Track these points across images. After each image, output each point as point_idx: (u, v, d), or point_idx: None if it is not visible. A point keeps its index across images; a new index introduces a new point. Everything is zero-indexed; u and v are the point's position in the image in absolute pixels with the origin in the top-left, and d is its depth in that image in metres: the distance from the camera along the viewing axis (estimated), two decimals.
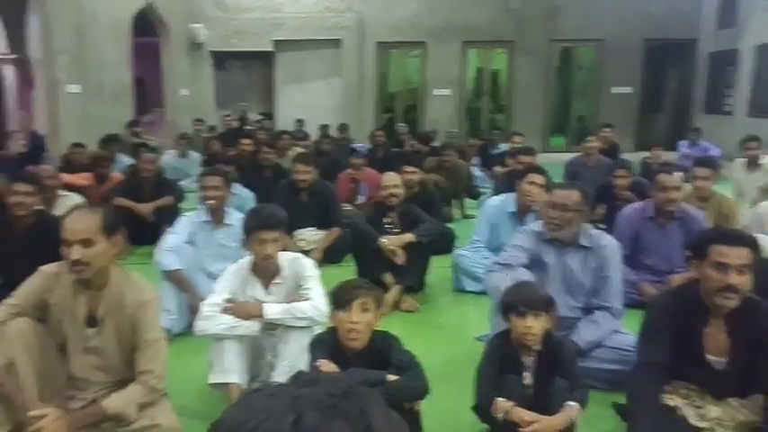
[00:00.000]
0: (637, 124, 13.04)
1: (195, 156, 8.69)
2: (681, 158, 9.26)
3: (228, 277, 2.85)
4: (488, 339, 2.51)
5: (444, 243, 5.17)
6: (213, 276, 3.34)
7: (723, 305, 2.21)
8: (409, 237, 4.09)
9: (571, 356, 2.36)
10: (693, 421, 2.24)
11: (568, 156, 7.30)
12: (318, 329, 2.72)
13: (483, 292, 4.19)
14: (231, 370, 2.68)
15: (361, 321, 2.25)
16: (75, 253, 2.14)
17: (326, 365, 2.22)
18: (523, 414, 2.20)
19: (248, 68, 13.86)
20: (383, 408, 0.72)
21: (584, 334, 2.90)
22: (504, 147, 9.07)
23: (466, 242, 4.71)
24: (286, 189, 5.30)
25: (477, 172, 8.76)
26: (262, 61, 13.36)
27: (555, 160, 8.69)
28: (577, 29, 12.59)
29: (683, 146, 9.76)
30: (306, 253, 4.06)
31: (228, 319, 2.69)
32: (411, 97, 13.92)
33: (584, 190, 3.04)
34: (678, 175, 4.08)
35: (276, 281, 2.86)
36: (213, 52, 12.95)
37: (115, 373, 2.35)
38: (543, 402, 2.30)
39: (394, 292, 4.05)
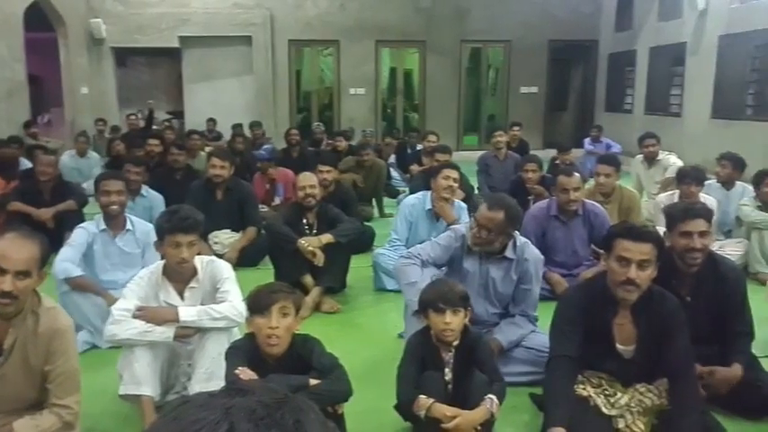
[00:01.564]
0: (544, 123, 13.58)
1: (95, 156, 8.26)
2: (585, 155, 9.73)
3: (139, 282, 2.70)
4: (407, 337, 2.51)
5: (363, 242, 5.17)
6: (119, 286, 3.15)
7: (624, 297, 2.30)
8: (328, 237, 4.05)
9: (489, 351, 2.42)
10: (605, 409, 2.33)
11: (479, 153, 7.49)
12: (237, 335, 2.63)
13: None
14: (143, 381, 2.54)
15: (280, 326, 2.18)
16: (8, 284, 1.95)
17: (245, 373, 2.14)
18: (444, 409, 2.22)
19: (153, 65, 13.29)
20: (319, 417, 0.69)
21: (507, 334, 2.97)
22: (419, 146, 9.19)
23: (385, 241, 4.71)
24: (199, 189, 5.11)
25: (393, 171, 8.84)
26: (168, 58, 12.86)
27: (468, 158, 8.88)
28: (485, 30, 12.95)
29: (587, 143, 10.25)
30: (221, 256, 3.93)
31: (140, 324, 2.55)
32: (326, 96, 13.84)
33: (510, 209, 2.96)
34: (577, 176, 4.26)
35: (191, 285, 2.74)
36: (115, 48, 12.31)
37: (20, 402, 2.17)
38: (463, 397, 2.33)
39: (314, 294, 3.99)
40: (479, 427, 2.26)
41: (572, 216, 4.28)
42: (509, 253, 3.04)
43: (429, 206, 4.41)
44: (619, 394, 2.36)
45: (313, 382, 2.16)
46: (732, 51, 8.98)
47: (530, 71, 13.23)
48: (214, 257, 2.95)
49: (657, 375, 2.39)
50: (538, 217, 4.35)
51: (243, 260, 4.77)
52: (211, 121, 11.45)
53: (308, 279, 4.06)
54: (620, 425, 2.28)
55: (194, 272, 2.74)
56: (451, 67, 13.08)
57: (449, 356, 2.37)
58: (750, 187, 5.09)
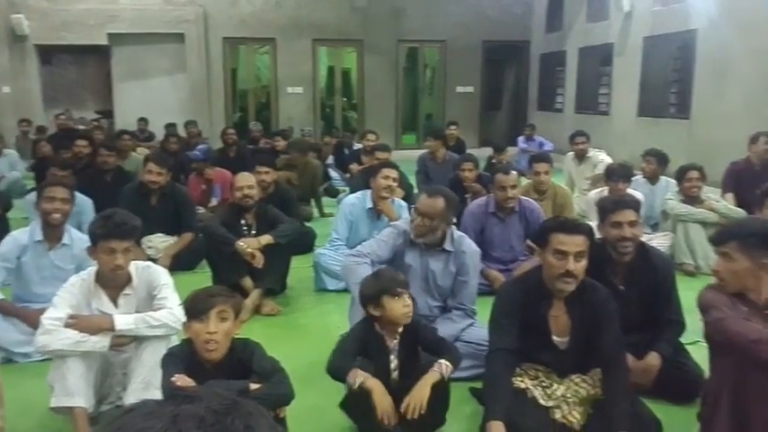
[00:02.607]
0: (479, 122, 13.83)
1: (13, 154, 7.87)
2: (519, 153, 9.99)
3: (70, 289, 2.59)
4: (352, 327, 2.51)
5: (304, 243, 5.12)
6: (47, 301, 2.99)
7: (562, 289, 2.38)
8: (267, 238, 3.99)
9: (430, 329, 2.48)
10: (542, 401, 2.39)
11: (420, 152, 7.55)
12: (175, 341, 2.55)
13: (345, 290, 4.21)
14: (76, 392, 2.43)
15: (219, 331, 2.13)
16: None
17: (182, 380, 2.09)
18: (380, 397, 2.25)
19: (81, 64, 12.75)
20: (269, 421, 0.68)
21: (442, 330, 2.98)
22: (358, 145, 9.19)
23: (326, 241, 4.69)
24: (132, 193, 4.92)
25: (332, 170, 8.81)
26: (96, 56, 12.36)
27: (407, 157, 8.95)
28: (421, 30, 13.07)
29: (521, 141, 10.53)
30: (155, 261, 3.81)
31: (73, 334, 2.44)
32: (263, 95, 13.65)
33: (448, 197, 3.11)
34: (514, 174, 4.37)
35: (125, 292, 2.65)
36: (39, 46, 11.74)
37: None
38: (411, 384, 2.35)
39: (254, 297, 3.93)
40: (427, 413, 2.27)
41: (509, 213, 4.39)
42: (447, 245, 3.12)
43: (369, 205, 4.42)
44: (555, 385, 2.42)
45: (254, 386, 2.12)
46: (655, 52, 9.41)
47: (465, 71, 13.44)
48: (150, 263, 2.85)
49: (591, 365, 2.47)
50: (476, 214, 4.44)
51: (179, 264, 4.64)
52: (143, 120, 11.10)
53: (248, 281, 3.99)
54: (557, 415, 2.34)
55: (129, 278, 2.65)
56: (389, 66, 13.14)
57: (394, 343, 2.40)
58: (673, 181, 5.35)
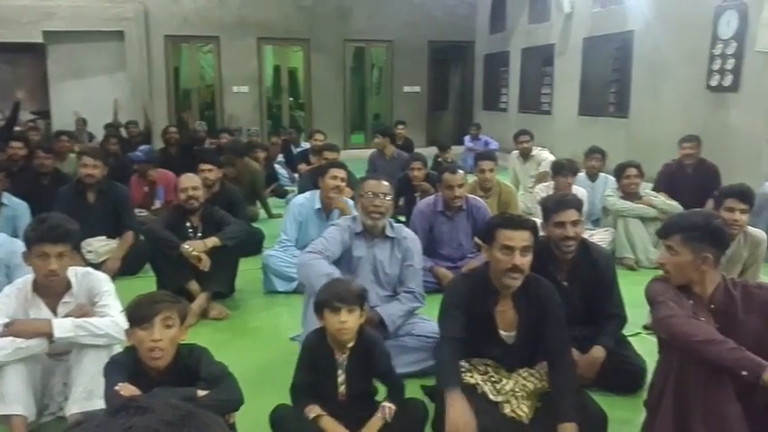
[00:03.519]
0: (426, 121, 13.95)
1: None
2: (465, 152, 10.13)
3: (5, 299, 2.48)
4: (302, 339, 2.48)
5: (252, 244, 5.05)
6: None
7: (509, 285, 2.42)
8: (214, 241, 3.91)
9: (386, 355, 2.41)
10: (491, 396, 2.42)
11: (369, 152, 7.57)
12: (118, 348, 2.48)
13: (295, 292, 4.19)
14: (15, 400, 2.33)
15: (164, 338, 2.07)
16: None
17: (126, 389, 2.02)
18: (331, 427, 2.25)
19: (15, 62, 12.17)
20: (225, 431, 0.66)
21: (387, 308, 3.03)
22: (306, 144, 9.12)
23: (275, 242, 4.64)
24: (69, 193, 4.75)
25: (281, 169, 8.71)
26: (31, 54, 11.83)
27: (356, 157, 8.97)
28: (368, 29, 13.09)
29: (467, 140, 10.68)
30: (96, 266, 3.67)
31: (9, 342, 2.33)
32: (207, 94, 13.38)
33: (388, 179, 3.23)
34: (461, 173, 4.44)
35: (65, 300, 2.56)
36: None
37: None
38: (358, 404, 2.35)
39: (201, 300, 3.85)
40: None
41: (457, 211, 4.45)
42: (389, 232, 3.19)
43: (318, 205, 4.39)
44: (504, 380, 2.46)
45: (201, 393, 2.07)
46: (595, 53, 9.69)
47: (412, 71, 13.53)
48: (90, 269, 2.75)
49: (538, 359, 2.52)
50: (425, 213, 4.48)
51: (122, 268, 4.51)
52: (80, 120, 10.71)
53: (194, 285, 3.91)
54: (506, 410, 2.38)
55: (68, 285, 2.56)
56: (336, 66, 13.09)
57: (342, 358, 2.35)
58: (612, 178, 5.54)
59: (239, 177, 6.33)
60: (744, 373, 1.86)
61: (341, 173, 4.39)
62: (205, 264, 3.83)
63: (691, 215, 2.34)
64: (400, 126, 9.38)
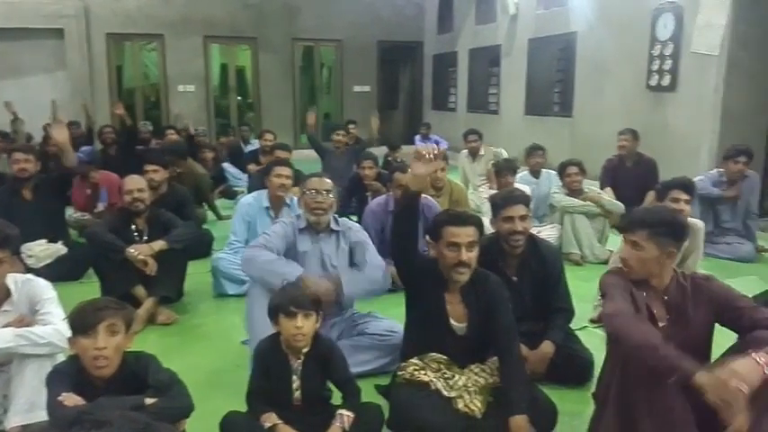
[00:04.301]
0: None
1: None
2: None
3: None
4: (255, 346, 2.44)
5: (201, 246, 4.96)
6: None
7: (458, 280, 2.47)
8: (160, 244, 3.82)
9: (342, 362, 2.39)
10: (445, 392, 2.44)
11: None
12: (61, 357, 2.39)
13: (246, 295, 4.12)
14: None
15: (108, 346, 2.00)
16: None
17: (70, 399, 1.95)
18: None
19: None
20: None
21: (348, 273, 3.07)
22: (254, 141, 9.01)
23: (224, 244, 4.56)
24: (3, 192, 4.61)
25: (231, 169, 8.59)
26: None
27: (306, 156, 8.89)
28: (316, 29, 13.02)
29: (418, 140, 10.77)
30: (37, 272, 3.53)
31: None
32: (152, 93, 13.05)
33: (329, 176, 3.26)
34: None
35: (4, 308, 2.45)
36: None
37: None
38: (313, 409, 2.33)
39: (147, 306, 3.75)
40: None
41: None
42: (334, 225, 3.20)
43: (266, 204, 4.36)
44: (456, 376, 2.48)
45: (149, 401, 2.01)
46: (540, 53, 9.91)
47: (361, 70, 13.54)
48: (31, 276, 2.64)
49: (488, 354, 2.56)
50: (376, 212, 4.48)
51: (63, 274, 4.35)
52: (16, 121, 10.27)
53: (140, 290, 3.80)
54: (460, 405, 2.40)
55: (7, 293, 2.45)
56: (285, 65, 12.98)
57: (297, 364, 2.32)
58: (554, 172, 5.72)
59: (183, 180, 6.21)
60: (673, 378, 1.89)
61: (285, 170, 4.38)
62: (151, 268, 3.74)
63: (656, 211, 2.35)
64: (351, 125, 9.39)
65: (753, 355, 1.82)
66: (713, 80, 6.64)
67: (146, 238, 3.92)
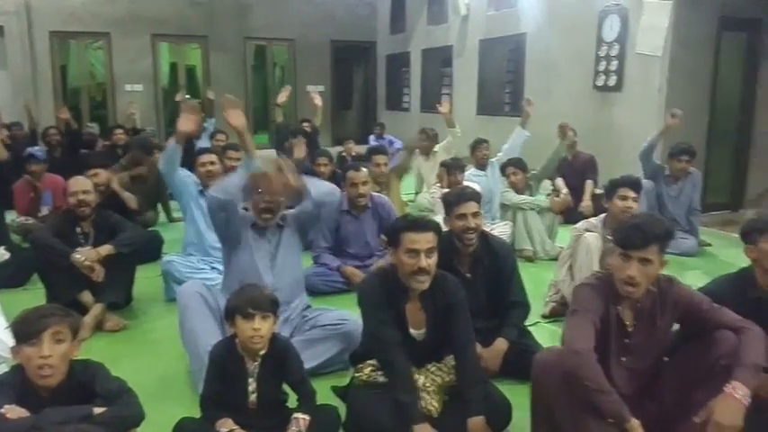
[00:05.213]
0: (331, 120, 13.91)
1: None
2: None
3: None
4: (210, 349, 2.39)
5: (150, 250, 4.84)
6: None
7: (417, 287, 2.44)
8: (107, 248, 3.71)
9: (297, 362, 2.37)
10: None
11: (273, 152, 7.45)
12: (5, 367, 2.29)
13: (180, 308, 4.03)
14: None
15: (54, 355, 1.93)
16: None
17: (13, 411, 1.88)
18: None
19: None
20: None
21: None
22: (206, 143, 8.84)
23: (174, 247, 4.46)
24: None
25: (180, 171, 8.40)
26: None
27: (260, 157, 8.78)
28: (268, 28, 12.89)
29: (372, 139, 10.78)
30: None
31: None
32: (98, 93, 12.66)
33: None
34: (365, 171, 4.47)
35: None
36: None
37: None
38: (269, 413, 2.30)
39: (95, 312, 3.64)
40: None
41: (362, 210, 4.47)
42: (281, 221, 3.18)
43: (200, 188, 4.31)
44: (416, 377, 2.48)
45: (98, 410, 1.95)
46: (491, 54, 10.05)
47: (315, 70, 13.46)
48: None
49: (445, 353, 2.58)
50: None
51: (6, 280, 4.18)
52: None
53: (87, 296, 3.69)
54: (420, 406, 2.40)
55: None
56: (236, 64, 12.80)
57: (253, 366, 2.29)
58: (496, 160, 6.04)
59: (147, 176, 6.11)
60: (610, 420, 1.99)
61: (210, 158, 4.45)
62: (98, 274, 3.63)
63: (659, 221, 2.25)
64: (305, 123, 9.34)
65: (729, 391, 1.91)
66: (657, 80, 6.86)
67: (92, 241, 3.80)
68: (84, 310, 3.57)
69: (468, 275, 3.03)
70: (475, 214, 3.02)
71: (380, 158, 5.40)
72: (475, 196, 3.12)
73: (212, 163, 4.38)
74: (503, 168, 5.58)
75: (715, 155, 7.10)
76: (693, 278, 4.43)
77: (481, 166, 6.24)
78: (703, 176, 5.90)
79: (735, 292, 2.40)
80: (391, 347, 2.42)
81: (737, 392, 1.89)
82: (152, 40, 12.11)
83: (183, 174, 4.26)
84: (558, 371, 2.09)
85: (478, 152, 6.26)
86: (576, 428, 2.05)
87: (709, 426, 1.87)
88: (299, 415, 2.27)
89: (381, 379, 2.48)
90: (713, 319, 2.16)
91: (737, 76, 7.10)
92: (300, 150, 5.66)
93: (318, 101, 7.57)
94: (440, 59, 11.54)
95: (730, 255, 5.26)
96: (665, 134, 5.41)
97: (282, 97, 7.56)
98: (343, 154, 8.49)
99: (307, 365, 2.57)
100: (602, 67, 7.62)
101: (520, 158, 5.61)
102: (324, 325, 3.07)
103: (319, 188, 3.12)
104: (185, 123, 3.73)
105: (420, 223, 2.47)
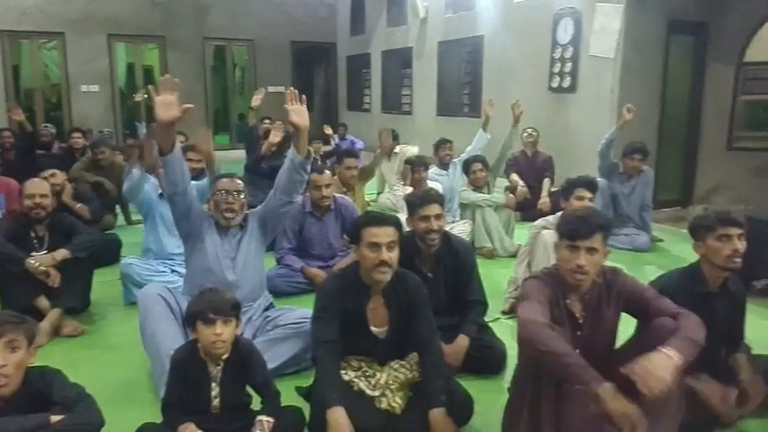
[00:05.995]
0: None
1: None
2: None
3: None
4: (172, 354, 2.37)
5: (108, 253, 4.76)
6: None
7: (380, 280, 2.48)
8: (63, 253, 3.63)
9: (260, 365, 2.37)
10: (368, 391, 2.47)
11: (235, 153, 7.39)
12: None
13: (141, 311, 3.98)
14: None
15: (8, 364, 1.90)
16: None
17: None
18: None
19: None
20: None
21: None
22: None
23: (134, 250, 4.40)
24: None
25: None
26: None
27: (222, 158, 8.69)
28: (227, 28, 12.77)
29: (335, 140, 10.77)
30: None
31: None
32: (53, 94, 12.34)
33: (239, 176, 3.25)
34: (328, 173, 4.48)
35: None
36: None
37: None
38: (232, 416, 2.30)
39: (51, 318, 3.56)
40: None
41: (325, 211, 4.48)
42: (243, 222, 3.20)
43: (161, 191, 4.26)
44: (378, 374, 2.52)
45: (55, 418, 1.92)
46: (449, 56, 10.17)
47: (275, 71, 13.38)
48: None
49: (408, 350, 2.62)
50: (293, 214, 4.45)
51: None
52: None
53: (43, 301, 3.60)
54: (383, 404, 2.43)
55: None
56: (195, 64, 12.63)
57: (216, 370, 2.27)
58: (458, 160, 6.13)
59: (111, 173, 6.03)
60: (577, 387, 1.97)
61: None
62: (54, 279, 3.56)
63: (599, 213, 2.41)
64: (266, 121, 9.31)
65: (660, 349, 1.95)
66: (609, 82, 7.05)
67: (47, 246, 3.72)
68: (40, 315, 3.48)
69: (430, 275, 3.08)
70: (438, 216, 3.07)
71: (351, 162, 5.38)
72: (438, 198, 3.18)
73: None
74: (467, 166, 5.66)
75: (665, 153, 7.34)
76: (646, 272, 4.57)
77: (444, 165, 6.37)
78: (655, 174, 6.09)
79: (683, 289, 2.48)
80: (320, 345, 2.46)
81: (668, 351, 1.93)
82: (108, 40, 11.87)
83: (146, 185, 4.20)
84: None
85: (442, 152, 6.40)
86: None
87: (636, 368, 1.89)
88: (264, 417, 2.27)
89: (345, 377, 2.50)
90: (655, 306, 2.25)
91: (686, 77, 7.35)
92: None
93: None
94: (400, 61, 11.61)
95: (681, 250, 5.45)
96: (623, 129, 5.57)
97: (256, 101, 7.50)
98: (313, 155, 8.47)
99: (270, 365, 2.58)
100: (556, 69, 7.79)
101: (483, 156, 5.72)
102: (285, 324, 3.07)
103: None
104: (165, 109, 2.78)
105: (380, 218, 2.54)
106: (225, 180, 3.17)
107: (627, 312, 2.35)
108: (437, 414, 2.34)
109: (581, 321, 2.31)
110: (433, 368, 2.47)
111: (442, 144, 6.46)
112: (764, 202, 6.39)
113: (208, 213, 3.18)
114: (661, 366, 1.89)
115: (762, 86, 6.96)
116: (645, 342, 2.10)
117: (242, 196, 3.15)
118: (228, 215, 3.10)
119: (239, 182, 3.18)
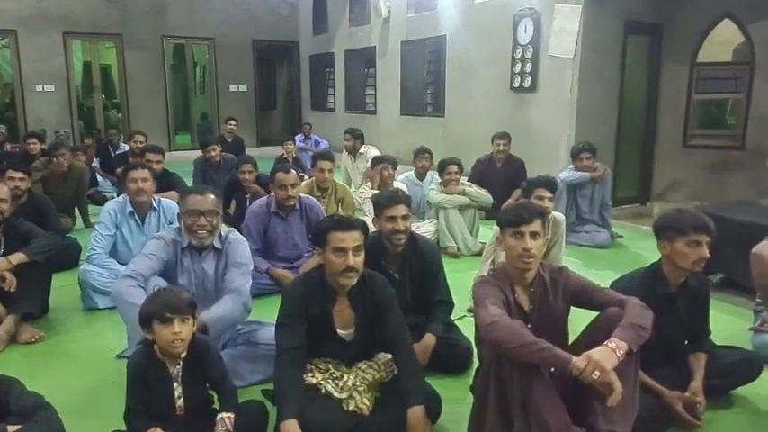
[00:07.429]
0: (256, 121, 13.74)
1: None
2: (297, 150, 10.18)
3: None
4: (128, 359, 2.32)
5: (66, 258, 4.65)
6: None
7: (346, 284, 2.47)
8: (20, 257, 3.53)
9: (217, 361, 2.35)
10: (336, 394, 2.45)
11: (196, 154, 7.26)
12: None
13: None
14: None
15: None
16: None
17: None
18: None
19: None
20: None
21: (210, 311, 2.78)
22: (126, 147, 8.56)
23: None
24: None
25: (98, 174, 8.11)
26: None
27: (182, 158, 8.58)
28: (186, 26, 12.59)
29: (299, 139, 10.73)
30: None
31: None
32: (6, 94, 11.98)
33: (215, 191, 3.06)
34: (293, 173, 4.45)
35: None
36: None
37: None
38: (196, 417, 2.28)
39: (8, 324, 3.46)
40: None
41: (290, 211, 4.45)
42: (217, 243, 3.04)
43: (130, 209, 4.17)
44: (345, 376, 2.50)
45: (12, 428, 1.87)
46: (412, 56, 10.20)
47: (237, 70, 13.26)
48: None
49: (375, 351, 2.63)
50: (258, 214, 4.43)
51: None
52: None
53: None
54: (351, 406, 2.42)
55: None
56: (154, 63, 12.41)
57: (176, 370, 2.25)
58: (437, 175, 5.94)
59: (68, 175, 5.95)
60: (552, 369, 2.05)
61: (142, 174, 4.17)
62: (10, 283, 3.45)
63: (535, 204, 2.53)
64: (231, 122, 9.23)
65: (608, 344, 2.01)
66: (569, 81, 7.19)
67: (2, 250, 3.61)
68: None
69: (397, 276, 3.09)
70: (404, 217, 3.08)
71: (326, 164, 5.19)
72: (405, 199, 3.18)
73: (145, 180, 4.12)
74: (441, 168, 5.59)
75: (623, 151, 7.52)
76: (607, 268, 4.68)
77: (420, 175, 6.28)
78: (613, 172, 6.24)
79: (645, 289, 2.51)
80: (282, 353, 2.43)
81: (611, 344, 2.01)
82: (63, 38, 11.57)
83: (118, 223, 4.14)
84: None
85: (419, 161, 6.25)
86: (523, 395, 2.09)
87: (582, 358, 1.97)
88: (224, 414, 2.26)
89: (312, 379, 2.48)
90: (601, 299, 2.33)
91: (642, 76, 7.54)
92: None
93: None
94: (363, 60, 11.61)
95: (640, 246, 5.60)
96: (595, 181, 5.80)
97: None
98: (284, 156, 8.47)
99: (250, 379, 2.59)
100: (517, 68, 7.90)
101: (459, 160, 5.69)
102: (262, 343, 2.99)
103: (223, 323, 2.84)
104: None
105: (346, 222, 2.50)
106: (196, 197, 2.97)
107: (576, 306, 2.41)
108: (416, 412, 2.33)
109: (529, 313, 2.36)
110: (408, 366, 2.47)
111: (420, 153, 6.25)
112: (718, 197, 6.61)
113: (177, 231, 3.05)
114: (605, 358, 1.97)
115: (714, 86, 7.18)
116: (596, 333, 2.18)
117: (217, 217, 2.97)
118: (201, 234, 2.96)
119: (212, 197, 2.98)
